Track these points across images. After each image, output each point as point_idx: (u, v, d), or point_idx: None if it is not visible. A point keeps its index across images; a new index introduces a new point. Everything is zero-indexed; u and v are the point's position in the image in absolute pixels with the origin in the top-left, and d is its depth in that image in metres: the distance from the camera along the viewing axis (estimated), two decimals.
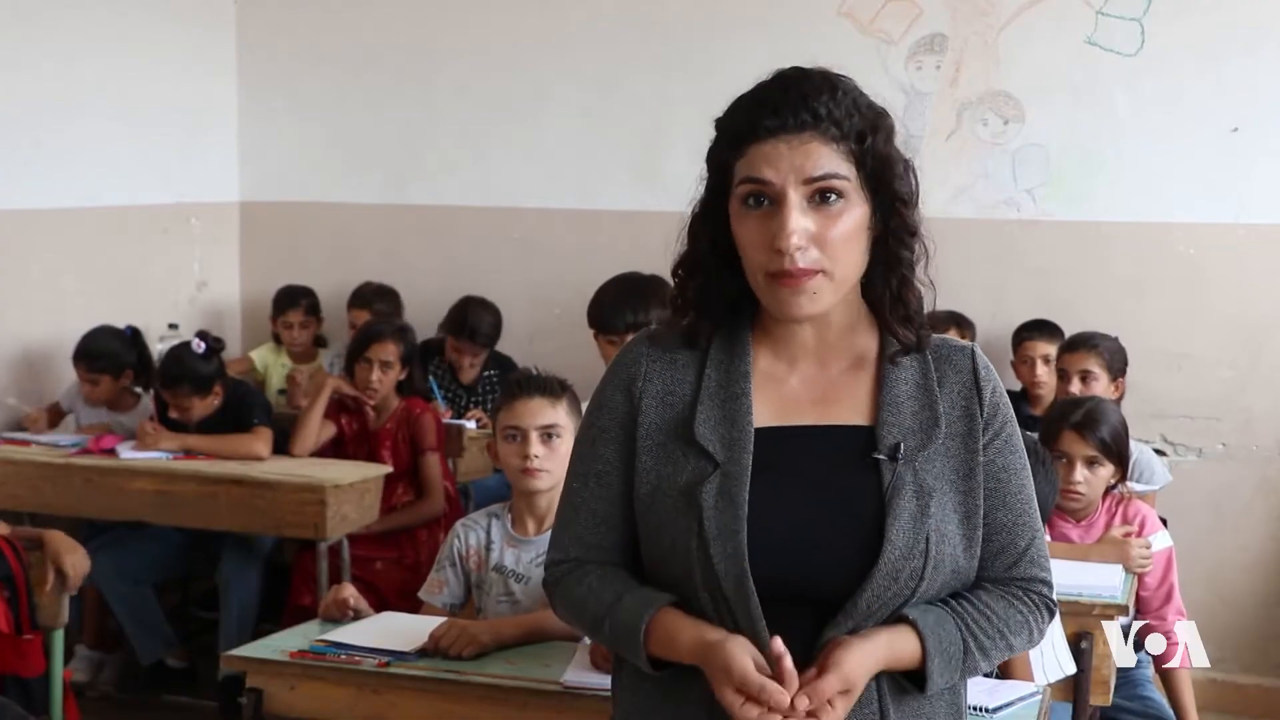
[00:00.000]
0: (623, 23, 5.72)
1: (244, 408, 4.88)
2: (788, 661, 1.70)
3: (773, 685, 1.69)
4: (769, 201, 1.76)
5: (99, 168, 5.58)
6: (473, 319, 5.49)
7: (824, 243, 1.75)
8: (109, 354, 5.06)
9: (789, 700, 1.69)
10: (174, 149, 5.93)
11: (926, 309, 1.88)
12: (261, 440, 4.77)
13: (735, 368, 1.84)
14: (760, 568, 1.74)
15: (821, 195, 1.76)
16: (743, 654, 1.72)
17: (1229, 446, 5.14)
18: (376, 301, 5.70)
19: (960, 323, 4.98)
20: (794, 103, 1.76)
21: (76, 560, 3.70)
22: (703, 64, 5.48)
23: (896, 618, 1.78)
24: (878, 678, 1.79)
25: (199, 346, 4.81)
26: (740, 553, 1.74)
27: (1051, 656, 3.14)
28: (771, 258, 1.75)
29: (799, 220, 1.74)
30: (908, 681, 1.81)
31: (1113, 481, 3.83)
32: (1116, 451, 3.79)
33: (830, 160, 1.76)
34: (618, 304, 4.35)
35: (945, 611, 1.81)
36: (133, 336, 5.15)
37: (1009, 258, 5.28)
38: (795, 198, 1.75)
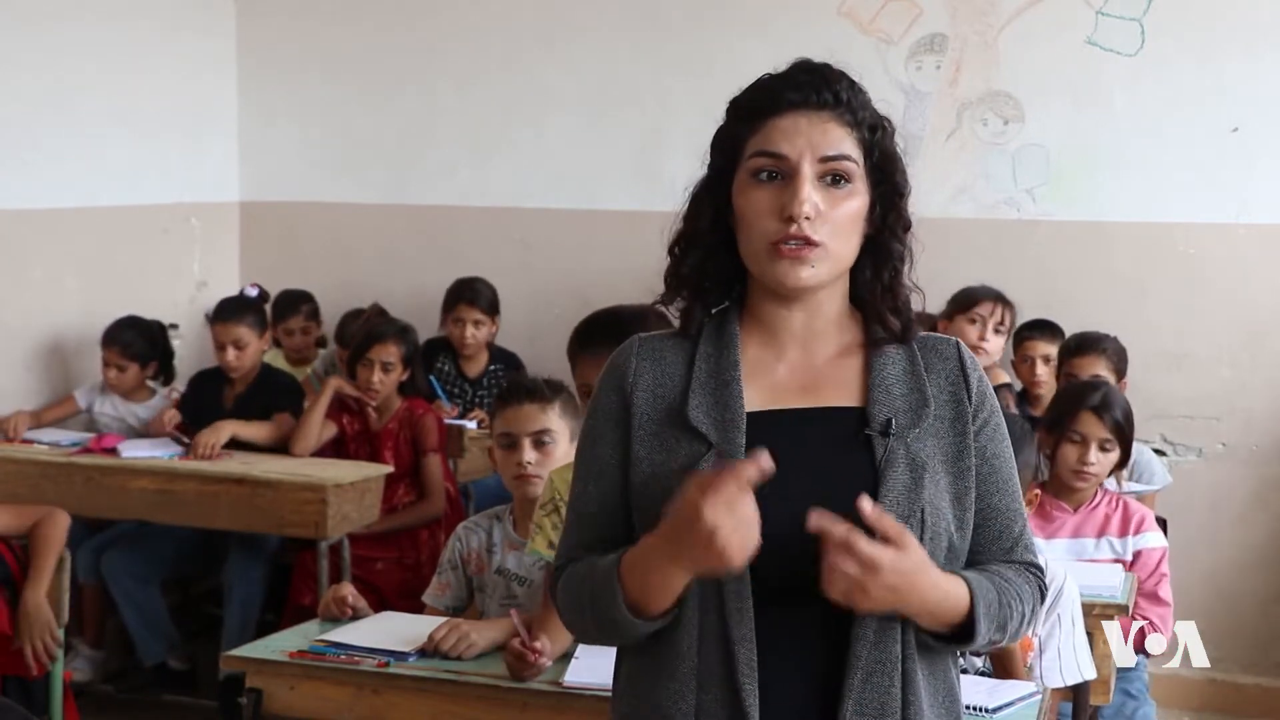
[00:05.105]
0: (623, 23, 5.73)
1: (274, 393, 5.02)
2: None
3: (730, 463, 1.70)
4: (780, 176, 1.81)
5: (99, 168, 5.58)
6: (469, 288, 5.54)
7: (828, 221, 1.81)
8: (141, 343, 5.18)
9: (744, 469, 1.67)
10: (174, 149, 5.93)
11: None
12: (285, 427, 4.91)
13: (725, 358, 1.87)
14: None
15: (833, 178, 1.82)
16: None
17: (1229, 446, 5.15)
18: None
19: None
20: (818, 83, 1.84)
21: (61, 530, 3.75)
22: (703, 64, 5.48)
23: None
24: (903, 644, 1.78)
25: (252, 290, 4.99)
26: None
27: (1071, 658, 3.14)
28: (779, 226, 1.80)
29: (811, 193, 1.80)
30: (941, 641, 1.80)
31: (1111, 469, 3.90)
32: (1126, 437, 3.88)
33: (845, 142, 1.83)
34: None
35: (970, 570, 1.82)
36: (160, 331, 5.26)
37: (1009, 258, 5.27)
38: (809, 172, 1.80)
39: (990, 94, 5.30)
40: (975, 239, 5.24)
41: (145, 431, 5.07)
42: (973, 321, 4.88)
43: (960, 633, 1.79)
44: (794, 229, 1.79)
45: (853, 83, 1.86)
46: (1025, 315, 5.10)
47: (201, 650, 5.02)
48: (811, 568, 1.72)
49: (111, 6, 5.62)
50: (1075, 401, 3.89)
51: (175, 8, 5.95)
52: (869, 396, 1.84)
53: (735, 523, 1.67)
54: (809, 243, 1.79)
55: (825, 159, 1.81)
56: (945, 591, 1.76)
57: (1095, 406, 3.84)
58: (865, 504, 1.70)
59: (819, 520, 1.68)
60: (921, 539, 1.76)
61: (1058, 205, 5.27)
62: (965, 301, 4.93)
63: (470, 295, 5.53)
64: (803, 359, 1.88)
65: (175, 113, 5.91)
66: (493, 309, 5.58)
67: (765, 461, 1.68)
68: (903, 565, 1.70)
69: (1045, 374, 4.91)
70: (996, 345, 4.93)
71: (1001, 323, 4.91)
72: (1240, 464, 5.13)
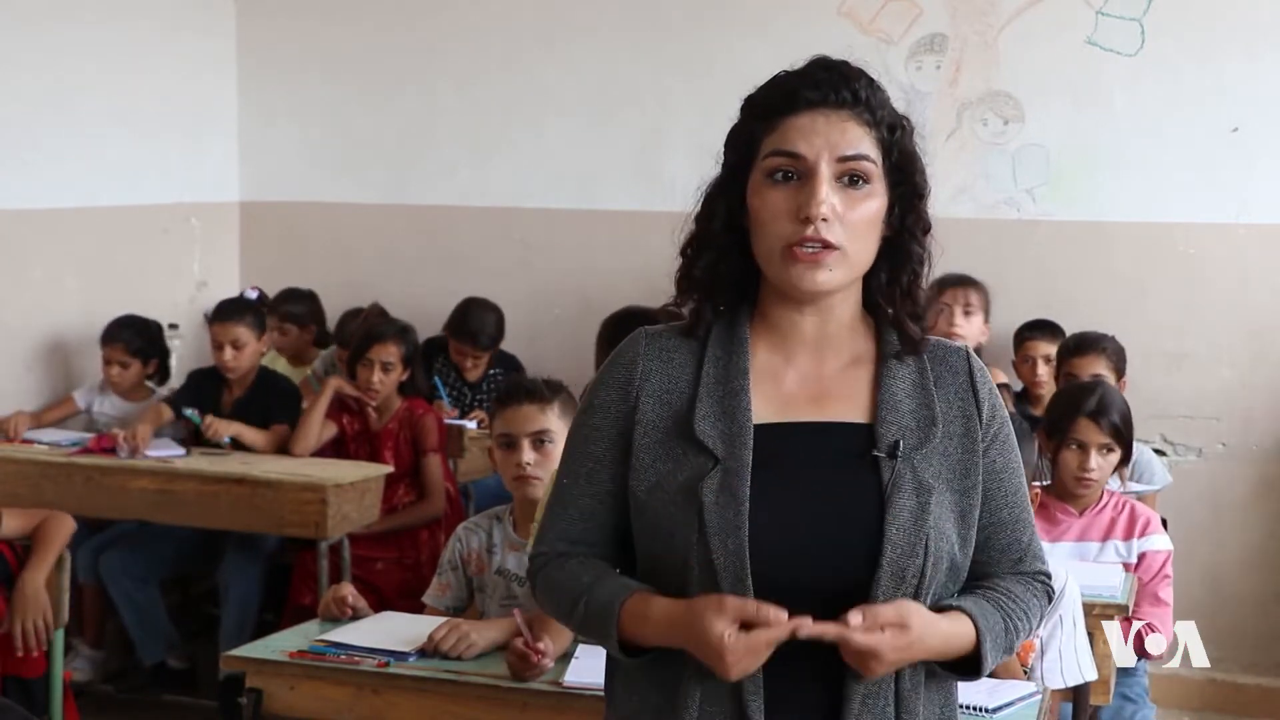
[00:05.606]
0: (623, 23, 5.72)
1: (271, 398, 5.01)
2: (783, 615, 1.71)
3: (769, 606, 1.69)
4: (797, 176, 1.78)
5: (99, 168, 5.58)
6: (474, 322, 5.49)
7: (846, 223, 1.77)
8: (142, 340, 5.20)
9: (786, 617, 1.68)
10: (174, 149, 5.93)
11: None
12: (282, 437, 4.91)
13: (733, 364, 1.84)
14: (759, 565, 1.73)
15: (851, 178, 1.78)
16: (727, 599, 1.72)
17: (1229, 446, 5.14)
18: None
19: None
20: (836, 81, 1.80)
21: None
22: (703, 64, 5.48)
23: (937, 609, 1.78)
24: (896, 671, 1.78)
25: (252, 293, 5.00)
26: (741, 549, 1.73)
27: (1072, 660, 3.13)
28: (796, 228, 1.76)
29: (829, 194, 1.76)
30: (950, 671, 1.81)
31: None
32: (1126, 438, 3.85)
33: (864, 142, 1.79)
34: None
35: (977, 595, 1.83)
36: (157, 330, 5.27)
37: (1009, 258, 5.28)
38: (826, 172, 1.77)
39: (990, 94, 5.30)
40: (975, 239, 5.23)
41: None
42: (940, 312, 4.86)
43: (967, 663, 1.80)
44: (810, 231, 1.75)
45: (871, 81, 1.82)
46: (1025, 315, 5.09)
47: (201, 650, 5.02)
48: (813, 584, 1.73)
49: (111, 6, 5.62)
50: (1072, 408, 3.84)
51: (175, 8, 5.95)
52: (877, 414, 1.82)
53: (752, 664, 1.70)
54: (826, 246, 1.75)
55: (843, 159, 1.77)
56: (950, 637, 1.77)
57: (1091, 412, 3.79)
58: (854, 619, 1.69)
59: (809, 633, 1.69)
60: (924, 563, 1.76)
61: (1058, 205, 5.27)
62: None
63: (470, 336, 5.47)
64: (813, 367, 1.85)
65: (175, 113, 5.91)
66: (494, 343, 5.54)
67: (806, 629, 1.69)
68: (903, 641, 1.71)
69: (1046, 374, 4.91)
70: (972, 329, 4.90)
71: (969, 304, 4.90)
72: (1240, 464, 5.13)
